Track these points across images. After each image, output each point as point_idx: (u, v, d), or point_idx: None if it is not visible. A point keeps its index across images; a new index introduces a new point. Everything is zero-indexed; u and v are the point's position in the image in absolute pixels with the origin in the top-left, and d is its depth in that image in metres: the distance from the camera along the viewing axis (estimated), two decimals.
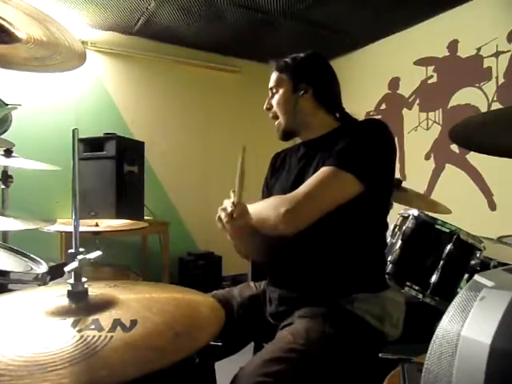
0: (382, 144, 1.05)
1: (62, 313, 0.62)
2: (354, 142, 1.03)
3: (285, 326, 0.99)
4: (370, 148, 1.02)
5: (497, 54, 2.72)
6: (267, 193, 1.31)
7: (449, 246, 1.35)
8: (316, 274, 1.06)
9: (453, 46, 3.00)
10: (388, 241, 1.47)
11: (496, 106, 2.72)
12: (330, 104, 1.20)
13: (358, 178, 0.98)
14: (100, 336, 0.54)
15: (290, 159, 1.27)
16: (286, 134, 1.21)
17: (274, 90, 1.21)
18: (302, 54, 1.21)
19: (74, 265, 0.65)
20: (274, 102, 1.20)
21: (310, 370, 0.86)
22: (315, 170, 1.08)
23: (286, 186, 1.19)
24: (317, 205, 0.99)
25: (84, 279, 0.66)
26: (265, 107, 1.23)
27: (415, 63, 3.26)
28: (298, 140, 1.27)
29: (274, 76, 1.22)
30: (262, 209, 1.04)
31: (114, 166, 2.71)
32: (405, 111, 3.37)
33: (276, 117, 1.21)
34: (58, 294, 0.68)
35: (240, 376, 0.85)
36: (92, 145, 2.77)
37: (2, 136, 1.78)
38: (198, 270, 3.38)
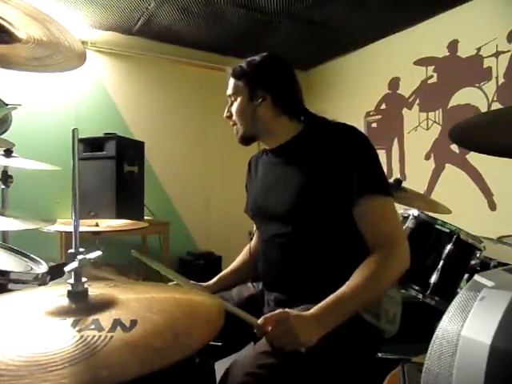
0: (376, 154, 1.07)
1: (62, 313, 0.61)
2: (368, 161, 1.03)
3: None
4: (378, 162, 1.05)
5: (497, 54, 2.72)
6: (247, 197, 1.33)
7: (449, 246, 1.35)
8: (310, 275, 1.06)
9: (453, 46, 3.00)
10: None
11: (496, 106, 2.72)
12: (292, 109, 1.14)
13: (391, 197, 1.03)
14: (100, 336, 0.54)
15: (259, 165, 1.26)
16: (246, 140, 1.18)
17: (232, 98, 1.16)
18: (257, 58, 1.15)
19: (73, 265, 0.65)
20: (233, 110, 1.16)
21: (304, 365, 0.86)
22: (285, 178, 1.10)
23: (257, 194, 1.20)
24: (402, 233, 1.04)
25: (84, 279, 0.66)
26: (224, 115, 1.19)
27: (415, 63, 3.26)
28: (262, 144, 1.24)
29: (230, 83, 1.17)
30: (365, 286, 0.95)
31: (114, 166, 2.70)
32: (405, 111, 3.36)
33: (235, 124, 1.18)
34: (57, 294, 0.68)
35: (233, 367, 0.85)
36: (92, 145, 2.77)
37: (2, 136, 1.78)
38: (198, 270, 3.37)
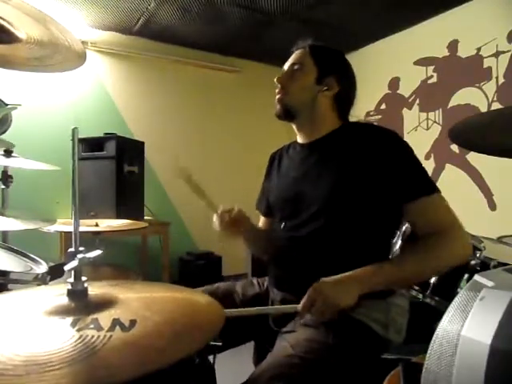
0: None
1: (61, 312, 0.61)
2: (414, 162, 1.00)
3: (286, 332, 0.98)
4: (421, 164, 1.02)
5: (497, 54, 2.72)
6: (264, 193, 1.30)
7: None
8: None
9: (453, 45, 3.00)
10: None
11: (496, 105, 2.72)
12: (345, 112, 1.14)
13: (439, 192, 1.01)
14: (99, 336, 0.53)
15: (284, 160, 1.23)
16: (287, 113, 1.12)
17: (296, 67, 1.12)
18: (334, 48, 1.15)
19: (73, 263, 0.65)
20: (294, 81, 1.11)
21: (314, 382, 0.86)
22: (319, 171, 1.07)
23: (285, 187, 1.16)
24: (459, 221, 1.00)
25: (84, 278, 0.66)
26: (277, 80, 1.13)
27: (415, 63, 3.26)
28: (290, 135, 1.23)
29: (301, 55, 1.14)
30: (418, 263, 0.95)
31: (114, 166, 2.71)
32: (405, 111, 3.37)
33: (286, 93, 1.12)
34: (57, 293, 0.68)
35: None
36: (92, 145, 2.77)
37: (2, 136, 1.78)
38: (197, 270, 3.37)
